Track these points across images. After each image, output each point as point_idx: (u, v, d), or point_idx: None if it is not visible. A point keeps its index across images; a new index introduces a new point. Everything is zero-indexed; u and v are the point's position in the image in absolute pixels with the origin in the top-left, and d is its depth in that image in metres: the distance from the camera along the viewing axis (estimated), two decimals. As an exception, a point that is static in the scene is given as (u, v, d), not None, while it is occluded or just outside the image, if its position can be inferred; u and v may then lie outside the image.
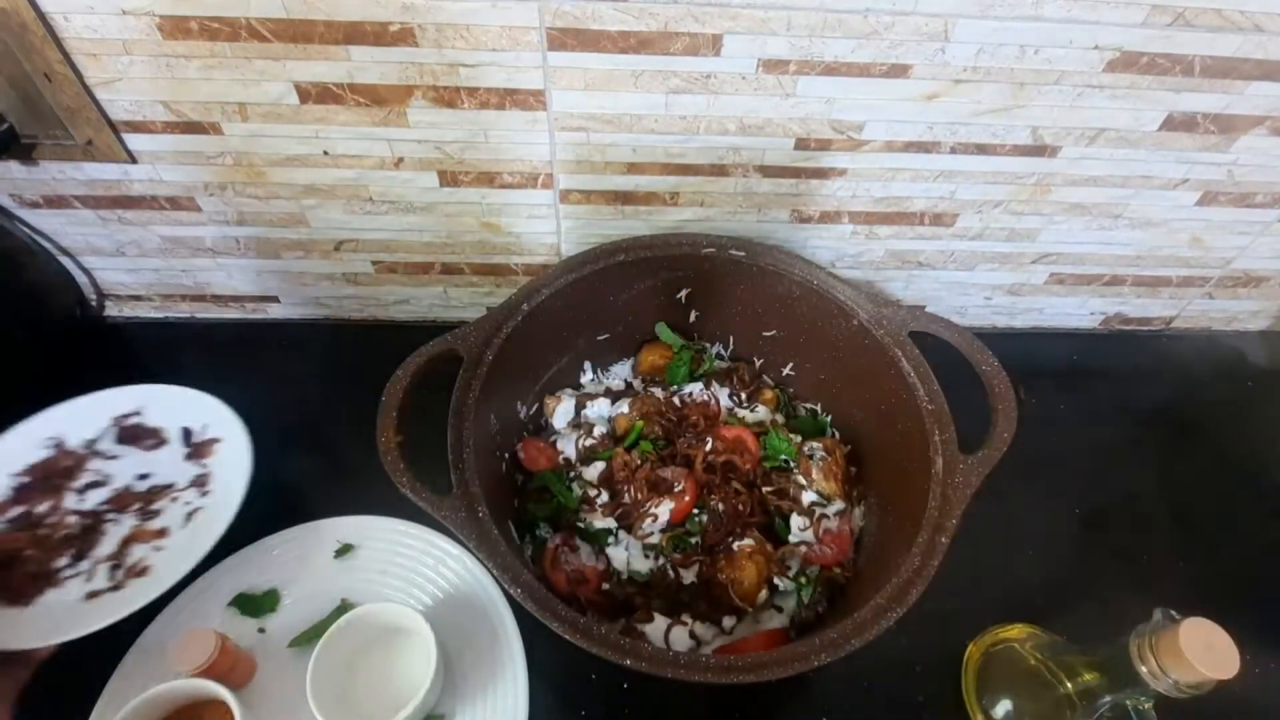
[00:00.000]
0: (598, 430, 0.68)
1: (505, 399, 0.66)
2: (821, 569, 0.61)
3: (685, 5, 0.55)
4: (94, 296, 0.82)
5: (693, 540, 0.61)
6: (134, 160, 0.66)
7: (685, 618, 0.58)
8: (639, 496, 0.62)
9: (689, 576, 0.60)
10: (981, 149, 0.67)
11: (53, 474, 0.62)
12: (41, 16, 0.55)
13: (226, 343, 0.83)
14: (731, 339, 0.78)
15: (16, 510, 0.59)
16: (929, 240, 0.77)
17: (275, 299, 0.83)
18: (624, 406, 0.69)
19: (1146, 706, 0.48)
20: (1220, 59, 0.60)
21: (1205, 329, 0.92)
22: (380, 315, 0.85)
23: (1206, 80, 0.62)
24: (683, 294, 0.73)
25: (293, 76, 0.60)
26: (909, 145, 0.66)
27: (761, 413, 0.71)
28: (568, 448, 0.68)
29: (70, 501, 0.61)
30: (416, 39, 0.57)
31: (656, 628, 0.57)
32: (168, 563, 0.58)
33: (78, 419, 0.65)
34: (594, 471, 0.65)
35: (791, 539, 0.62)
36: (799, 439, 0.68)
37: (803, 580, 0.60)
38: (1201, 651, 0.40)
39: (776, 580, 0.60)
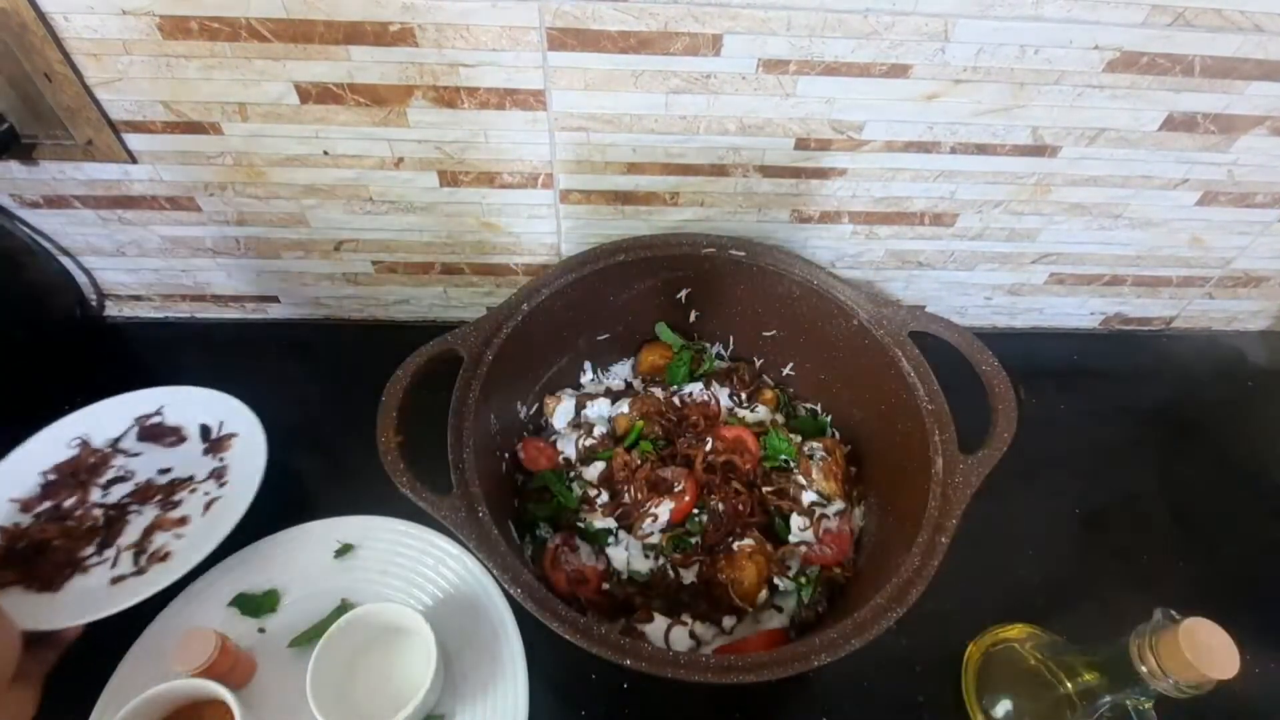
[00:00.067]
0: (598, 430, 0.68)
1: (505, 399, 0.66)
2: (821, 569, 0.61)
3: (685, 5, 0.55)
4: (94, 296, 0.82)
5: (693, 540, 0.61)
6: (134, 160, 0.66)
7: (685, 618, 0.58)
8: (639, 496, 0.62)
9: (689, 576, 0.60)
10: (981, 149, 0.67)
11: (79, 471, 0.65)
12: (41, 16, 0.55)
13: (226, 343, 0.83)
14: (731, 339, 0.78)
15: (45, 505, 0.62)
16: (929, 240, 0.77)
17: (275, 299, 0.83)
18: (624, 406, 0.69)
19: (1146, 706, 0.48)
20: (1220, 59, 0.60)
21: (1205, 329, 0.92)
22: (380, 315, 0.85)
23: (1206, 80, 0.62)
24: (683, 294, 0.73)
25: (293, 76, 0.60)
26: (909, 145, 0.66)
27: (761, 413, 0.71)
28: (568, 448, 0.68)
29: (95, 496, 0.64)
30: (416, 39, 0.57)
31: (656, 628, 0.57)
32: (187, 548, 0.60)
33: (101, 420, 0.68)
34: (594, 471, 0.65)
35: (791, 539, 0.62)
36: (799, 439, 0.68)
37: (803, 580, 0.60)
38: (1201, 651, 0.40)
39: (776, 580, 0.60)
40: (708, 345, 0.78)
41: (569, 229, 0.74)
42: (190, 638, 0.51)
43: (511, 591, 0.49)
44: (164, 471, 0.66)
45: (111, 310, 0.84)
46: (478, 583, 0.60)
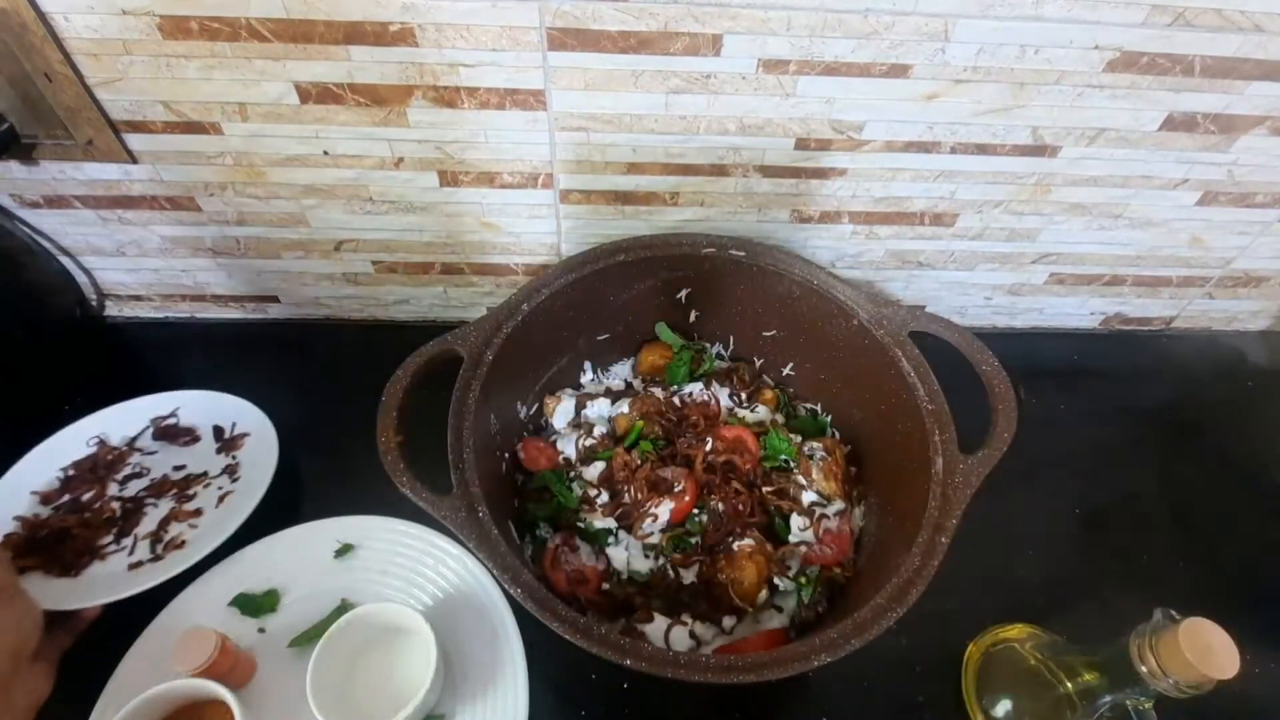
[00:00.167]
0: (598, 430, 0.68)
1: (505, 399, 0.66)
2: (821, 569, 0.61)
3: (685, 5, 0.55)
4: (94, 296, 0.82)
5: (693, 540, 0.61)
6: (134, 160, 0.66)
7: (685, 618, 0.58)
8: (639, 496, 0.62)
9: (689, 576, 0.60)
10: (981, 149, 0.67)
11: (97, 467, 0.67)
12: (41, 16, 0.55)
13: (226, 343, 0.83)
14: (731, 339, 0.78)
15: (64, 498, 0.65)
16: (929, 240, 0.77)
17: (275, 299, 0.83)
18: (624, 406, 0.69)
19: (1146, 706, 0.48)
20: (1220, 59, 0.60)
21: (1205, 329, 0.92)
22: (380, 315, 0.85)
23: (1206, 80, 0.62)
24: (683, 294, 0.73)
25: (293, 76, 0.60)
26: (909, 145, 0.66)
27: (761, 413, 0.71)
28: (568, 448, 0.68)
29: (113, 490, 0.67)
30: (416, 39, 0.57)
31: (656, 628, 0.57)
32: (201, 538, 0.62)
33: (119, 420, 0.71)
34: (594, 471, 0.65)
35: (791, 539, 0.62)
36: (799, 439, 0.68)
37: (803, 580, 0.60)
38: (1201, 651, 0.40)
39: (776, 580, 0.60)
40: (708, 345, 0.78)
41: (569, 229, 0.74)
42: (190, 638, 0.51)
43: (511, 591, 0.49)
44: (179, 468, 0.69)
45: (111, 310, 0.84)
46: (478, 583, 0.60)
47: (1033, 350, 0.88)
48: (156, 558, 0.61)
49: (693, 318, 0.76)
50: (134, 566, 0.61)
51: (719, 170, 0.68)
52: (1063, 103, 0.63)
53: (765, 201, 0.72)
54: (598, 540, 0.62)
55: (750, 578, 0.58)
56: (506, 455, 0.67)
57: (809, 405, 0.75)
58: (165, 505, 0.65)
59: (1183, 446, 0.79)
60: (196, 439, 0.71)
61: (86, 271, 0.79)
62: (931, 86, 0.61)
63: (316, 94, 0.61)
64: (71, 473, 0.67)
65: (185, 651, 0.51)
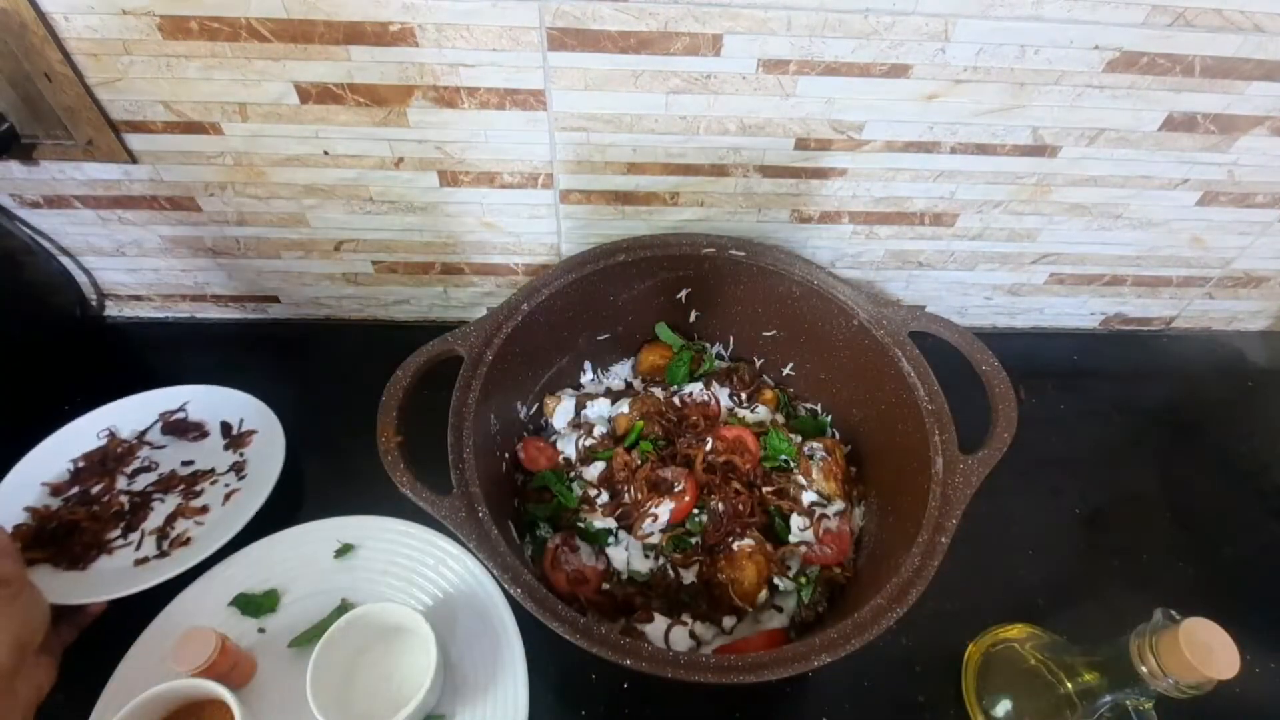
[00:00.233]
0: (598, 430, 0.68)
1: (505, 399, 0.66)
2: (821, 569, 0.61)
3: (685, 5, 0.55)
4: (94, 296, 0.82)
5: (693, 540, 0.61)
6: (134, 160, 0.66)
7: (685, 618, 0.58)
8: (639, 496, 0.62)
9: (689, 576, 0.60)
10: (981, 149, 0.67)
11: (106, 460, 0.68)
12: (41, 16, 0.55)
13: (226, 343, 0.83)
14: (731, 339, 0.78)
15: (74, 490, 0.66)
16: (929, 240, 0.77)
17: (275, 299, 0.83)
18: (624, 406, 0.69)
19: (1146, 706, 0.48)
20: (1220, 59, 0.60)
21: (1205, 329, 0.92)
22: (380, 315, 0.85)
23: (1206, 80, 0.62)
24: (683, 294, 0.73)
25: (293, 76, 0.60)
26: (909, 145, 0.66)
27: (761, 413, 0.71)
28: (568, 448, 0.68)
29: (121, 484, 0.67)
30: (416, 39, 0.57)
31: (656, 628, 0.57)
32: (208, 534, 0.63)
33: (128, 414, 0.71)
34: (594, 471, 0.65)
35: (791, 539, 0.62)
36: (799, 439, 0.68)
37: (803, 580, 0.60)
38: (1201, 651, 0.40)
39: (776, 580, 0.60)
40: (708, 345, 0.78)
41: (569, 229, 0.74)
42: (190, 638, 0.51)
43: (511, 591, 0.49)
44: (186, 463, 0.69)
45: (111, 310, 0.84)
46: (478, 583, 0.60)
47: (1033, 350, 0.88)
48: (162, 554, 0.62)
49: (693, 318, 0.76)
50: (140, 562, 0.61)
51: (719, 170, 0.68)
52: (1063, 103, 0.63)
53: (765, 201, 0.72)
54: (598, 540, 0.62)
55: (750, 578, 0.58)
56: (506, 455, 0.67)
57: (809, 405, 0.75)
58: (172, 501, 0.66)
59: (1183, 446, 0.79)
60: (205, 434, 0.71)
61: (86, 271, 0.79)
62: (931, 86, 0.61)
63: (316, 94, 0.61)
64: (81, 464, 0.67)
65: (185, 651, 0.51)
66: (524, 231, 0.74)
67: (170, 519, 0.64)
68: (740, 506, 0.62)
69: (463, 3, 0.55)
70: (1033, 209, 0.74)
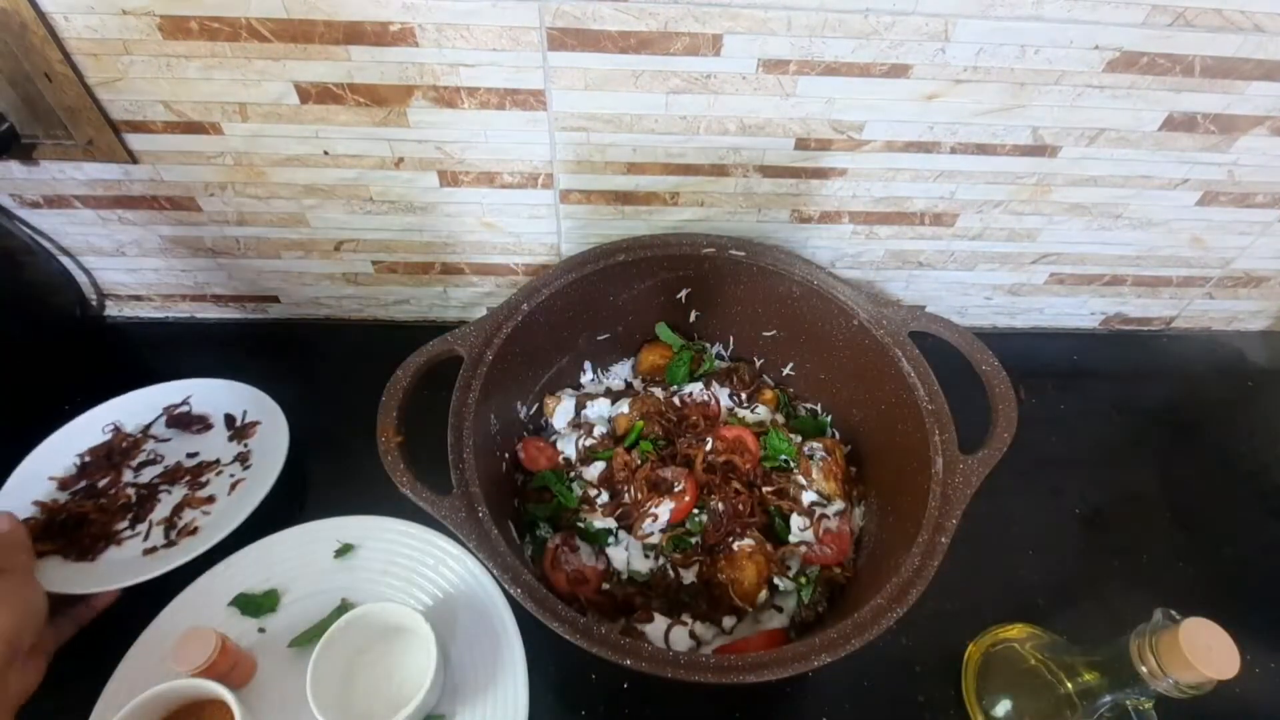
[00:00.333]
0: (598, 430, 0.68)
1: (505, 399, 0.66)
2: (821, 569, 0.61)
3: (685, 5, 0.55)
4: (94, 296, 0.82)
5: (693, 540, 0.61)
6: (134, 160, 0.66)
7: (685, 618, 0.58)
8: (639, 496, 0.62)
9: (689, 576, 0.60)
10: (982, 149, 0.67)
11: (112, 453, 0.69)
12: (42, 16, 0.55)
13: (226, 342, 0.83)
14: (731, 339, 0.78)
15: (81, 484, 0.66)
16: (929, 240, 0.77)
17: (275, 299, 0.83)
18: (624, 406, 0.69)
19: (1146, 706, 0.48)
20: (1220, 59, 0.60)
21: (1205, 329, 0.92)
22: (380, 315, 0.85)
23: (1206, 80, 0.62)
24: (683, 294, 0.73)
25: (293, 76, 0.60)
26: (909, 145, 0.66)
27: (761, 413, 0.71)
28: (568, 448, 0.68)
29: (128, 477, 0.68)
30: (416, 39, 0.57)
31: (656, 628, 0.57)
32: (214, 524, 0.63)
33: (132, 408, 0.72)
34: (594, 471, 0.65)
35: (791, 539, 0.62)
36: (799, 439, 0.68)
37: (803, 580, 0.60)
38: (1201, 651, 0.40)
39: (776, 580, 0.60)
40: (708, 345, 0.78)
41: (569, 229, 0.74)
42: (190, 638, 0.51)
43: (511, 591, 0.49)
44: (191, 455, 0.70)
45: (111, 310, 0.84)
46: (478, 583, 0.60)
47: (1033, 350, 0.88)
48: (170, 543, 0.62)
49: (693, 318, 0.76)
50: (149, 552, 0.62)
51: (719, 170, 0.68)
52: (1063, 103, 0.63)
53: (765, 201, 0.72)
54: (598, 540, 0.62)
55: (750, 578, 0.58)
56: (506, 455, 0.67)
57: (809, 405, 0.75)
58: (179, 492, 0.67)
59: (1183, 446, 0.79)
60: (209, 426, 0.72)
61: (86, 271, 0.79)
62: (932, 86, 0.61)
63: (316, 94, 0.61)
64: (88, 459, 0.68)
65: (185, 651, 0.51)
66: (524, 231, 0.74)
67: (177, 509, 0.65)
68: (740, 506, 0.62)
69: (463, 3, 0.55)
70: (1033, 209, 0.74)
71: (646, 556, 0.61)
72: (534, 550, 0.63)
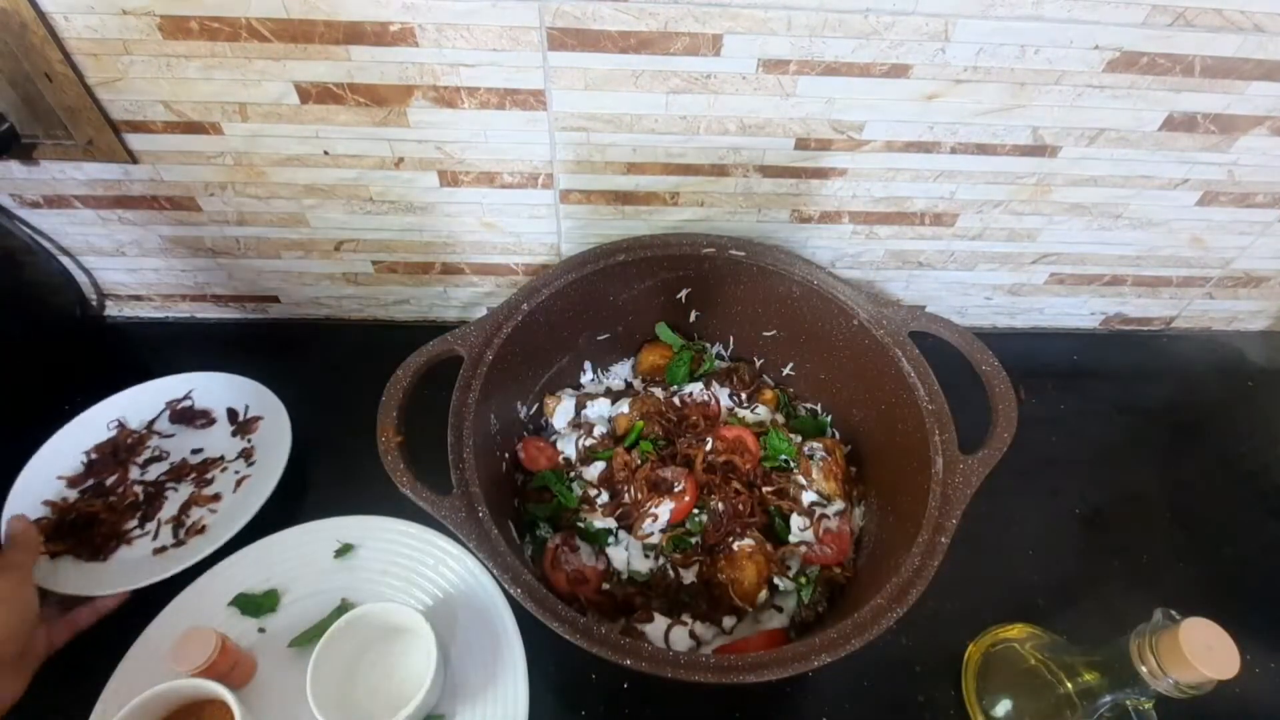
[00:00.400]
0: (598, 430, 0.68)
1: (505, 399, 0.66)
2: (821, 569, 0.61)
3: (685, 5, 0.55)
4: (94, 296, 0.82)
5: (693, 540, 0.61)
6: (134, 160, 0.66)
7: (685, 618, 0.58)
8: (639, 496, 0.62)
9: (689, 576, 0.60)
10: (982, 149, 0.67)
11: (118, 450, 0.69)
12: (42, 16, 0.55)
13: (226, 342, 0.83)
14: (731, 339, 0.78)
15: (89, 482, 0.67)
16: (929, 240, 0.77)
17: (275, 299, 0.83)
18: (624, 406, 0.69)
19: (1146, 706, 0.48)
20: (1220, 59, 0.60)
21: (1205, 329, 0.92)
22: (380, 315, 0.85)
23: (1206, 80, 0.62)
24: (683, 294, 0.73)
25: (293, 76, 0.60)
26: (909, 145, 0.66)
27: (761, 413, 0.71)
28: (568, 448, 0.68)
29: (135, 474, 0.68)
30: (416, 39, 0.57)
31: (656, 628, 0.57)
32: (221, 522, 0.64)
33: (136, 404, 0.72)
34: (594, 471, 0.65)
35: (791, 539, 0.62)
36: (799, 439, 0.68)
37: (803, 580, 0.60)
38: (1201, 651, 0.40)
39: (776, 580, 0.60)
40: (708, 345, 0.78)
41: (569, 229, 0.74)
42: (190, 638, 0.51)
43: (511, 591, 0.49)
44: (196, 451, 0.70)
45: (111, 310, 0.84)
46: (478, 583, 0.60)
47: (1033, 350, 0.88)
48: (180, 542, 0.63)
49: (693, 318, 0.76)
50: (159, 551, 0.62)
51: (719, 170, 0.68)
52: (1063, 103, 0.63)
53: (765, 201, 0.72)
54: (598, 540, 0.62)
55: (750, 578, 0.58)
56: (506, 455, 0.67)
57: (809, 405, 0.75)
58: (185, 490, 0.67)
59: (1183, 446, 0.79)
60: (212, 421, 0.72)
61: (86, 271, 0.79)
62: (932, 86, 0.61)
63: (316, 94, 0.61)
64: (94, 456, 0.68)
65: (185, 651, 0.51)
66: (524, 231, 0.74)
67: (184, 508, 0.65)
68: (740, 506, 0.62)
69: (463, 3, 0.55)
70: (1033, 209, 0.74)
71: (646, 556, 0.61)
72: (534, 550, 0.63)
